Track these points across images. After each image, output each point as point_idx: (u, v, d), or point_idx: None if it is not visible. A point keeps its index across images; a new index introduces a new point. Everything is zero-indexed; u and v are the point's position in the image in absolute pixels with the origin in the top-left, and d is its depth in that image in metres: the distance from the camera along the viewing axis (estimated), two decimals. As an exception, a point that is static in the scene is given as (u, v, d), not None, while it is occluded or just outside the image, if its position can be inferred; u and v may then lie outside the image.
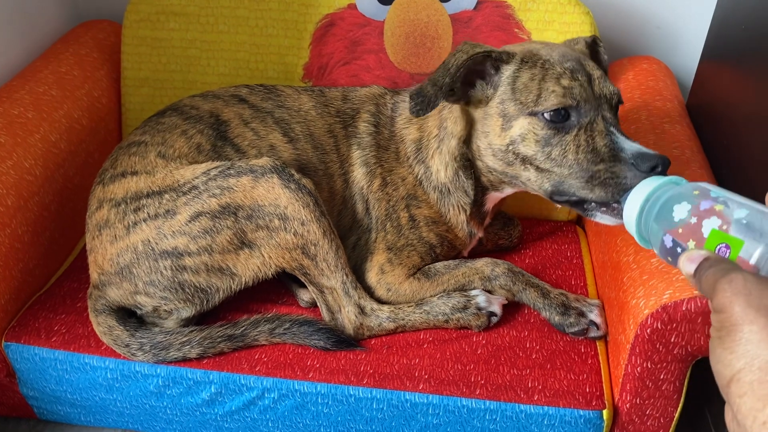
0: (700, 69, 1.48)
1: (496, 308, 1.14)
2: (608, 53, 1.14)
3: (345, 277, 1.12)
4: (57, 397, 1.20)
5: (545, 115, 0.97)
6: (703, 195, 0.62)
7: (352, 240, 1.21)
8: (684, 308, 0.91)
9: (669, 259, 0.63)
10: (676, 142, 1.24)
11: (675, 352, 0.95)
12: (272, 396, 1.10)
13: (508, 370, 1.07)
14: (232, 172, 1.06)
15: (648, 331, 0.94)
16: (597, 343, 1.12)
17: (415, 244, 1.19)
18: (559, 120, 0.96)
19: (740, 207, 0.58)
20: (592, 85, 0.98)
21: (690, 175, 1.13)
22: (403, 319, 1.14)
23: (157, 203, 1.07)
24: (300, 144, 1.21)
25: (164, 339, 1.10)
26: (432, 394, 1.05)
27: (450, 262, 1.21)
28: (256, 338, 1.12)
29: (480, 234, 1.24)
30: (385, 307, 1.14)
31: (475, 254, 1.28)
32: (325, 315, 1.15)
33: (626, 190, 0.89)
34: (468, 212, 1.17)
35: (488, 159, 1.07)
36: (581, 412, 1.02)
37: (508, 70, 1.01)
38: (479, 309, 1.13)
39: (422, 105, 0.99)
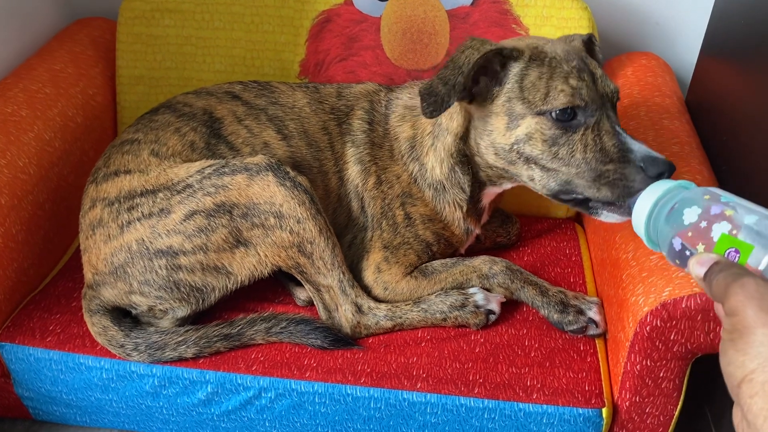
0: (699, 65, 1.48)
1: (495, 306, 1.14)
2: (606, 49, 1.14)
3: (342, 276, 1.11)
4: (52, 398, 1.19)
5: (553, 114, 0.96)
6: (713, 199, 0.63)
7: (348, 238, 1.20)
8: (684, 305, 0.90)
9: (677, 261, 0.64)
10: (675, 138, 1.23)
11: (675, 350, 0.94)
12: (269, 395, 1.09)
13: (506, 368, 1.07)
14: (226, 170, 1.05)
15: (647, 328, 0.94)
16: (596, 341, 1.11)
17: (412, 242, 1.18)
18: (566, 119, 0.95)
19: (750, 213, 0.59)
20: (596, 83, 0.98)
21: (689, 170, 1.13)
22: (400, 318, 1.13)
23: (151, 202, 1.06)
24: (294, 141, 1.20)
25: (160, 339, 1.10)
26: (430, 393, 1.05)
27: (447, 260, 1.20)
28: (253, 337, 1.11)
29: (477, 231, 1.23)
30: (383, 306, 1.14)
31: (473, 252, 1.28)
32: (322, 314, 1.14)
33: (633, 194, 0.89)
34: (464, 209, 1.17)
35: (489, 157, 1.06)
36: (580, 411, 1.01)
37: (515, 68, 0.99)
38: (477, 307, 1.13)
39: (435, 105, 0.97)
